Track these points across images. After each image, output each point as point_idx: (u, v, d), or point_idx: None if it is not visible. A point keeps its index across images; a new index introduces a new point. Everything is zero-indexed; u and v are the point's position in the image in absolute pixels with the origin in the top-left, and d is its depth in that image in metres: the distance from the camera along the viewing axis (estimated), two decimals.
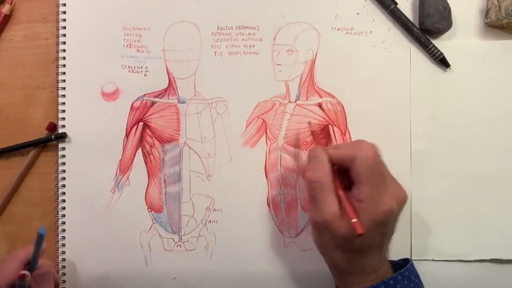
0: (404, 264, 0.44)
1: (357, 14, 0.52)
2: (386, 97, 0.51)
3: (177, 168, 0.53)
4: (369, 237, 0.40)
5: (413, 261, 0.49)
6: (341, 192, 0.42)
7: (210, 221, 0.52)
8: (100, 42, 0.53)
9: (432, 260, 0.51)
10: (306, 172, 0.43)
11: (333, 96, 0.52)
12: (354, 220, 0.39)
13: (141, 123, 0.53)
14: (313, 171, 0.42)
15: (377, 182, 0.40)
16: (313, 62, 0.52)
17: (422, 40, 0.50)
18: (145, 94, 0.53)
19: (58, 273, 0.53)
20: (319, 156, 0.43)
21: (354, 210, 0.40)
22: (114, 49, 0.53)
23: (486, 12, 0.51)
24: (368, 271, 0.42)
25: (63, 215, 0.53)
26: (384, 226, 0.41)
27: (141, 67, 0.53)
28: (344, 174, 0.43)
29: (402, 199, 0.42)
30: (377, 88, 0.52)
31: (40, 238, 0.46)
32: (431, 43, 0.50)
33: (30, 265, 0.47)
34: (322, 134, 0.51)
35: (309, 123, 0.51)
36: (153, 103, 0.53)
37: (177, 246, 0.53)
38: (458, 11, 0.51)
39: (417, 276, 0.44)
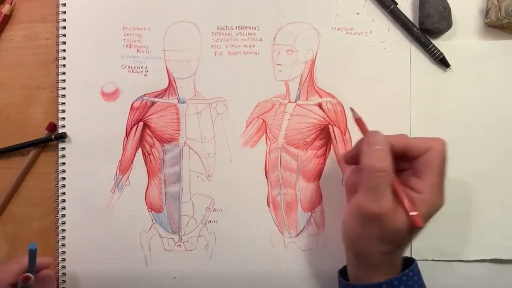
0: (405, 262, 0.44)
1: (357, 14, 0.52)
2: (386, 97, 0.51)
3: (177, 168, 0.53)
4: (419, 230, 0.40)
5: None
6: (400, 186, 0.41)
7: (210, 221, 0.52)
8: (100, 42, 0.53)
9: (432, 260, 0.51)
10: (368, 159, 0.41)
11: (333, 96, 0.52)
12: (414, 213, 0.39)
13: (141, 123, 0.53)
14: (379, 160, 0.40)
15: (443, 176, 0.41)
16: (313, 62, 0.52)
17: (422, 40, 0.50)
18: (145, 94, 0.53)
19: (58, 273, 0.53)
20: (382, 144, 0.41)
21: (413, 203, 0.40)
22: (114, 49, 0.53)
23: (486, 12, 0.51)
24: (394, 264, 0.42)
25: (63, 215, 0.53)
26: (429, 220, 0.41)
27: (141, 67, 0.53)
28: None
29: (444, 200, 0.42)
30: (377, 88, 0.52)
31: (31, 253, 0.46)
32: (431, 43, 0.50)
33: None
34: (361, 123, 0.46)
35: (352, 110, 0.46)
36: (153, 103, 0.53)
37: (177, 246, 0.53)
38: (458, 11, 0.51)
39: (420, 277, 0.43)
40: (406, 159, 0.42)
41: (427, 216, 0.40)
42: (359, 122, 0.45)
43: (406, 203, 0.39)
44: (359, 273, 0.43)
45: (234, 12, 0.53)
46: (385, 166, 0.40)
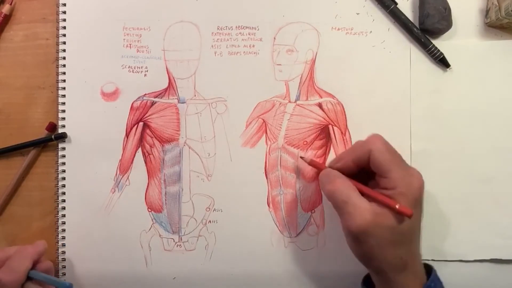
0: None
1: (357, 14, 0.52)
2: (386, 97, 0.51)
3: (177, 168, 0.53)
4: (414, 219, 0.40)
5: None
6: (370, 190, 0.42)
7: (210, 221, 0.52)
8: (100, 42, 0.53)
9: (432, 260, 0.51)
10: (324, 188, 0.44)
11: (333, 96, 0.52)
12: (397, 205, 0.39)
13: (141, 123, 0.53)
14: (331, 183, 0.43)
15: (401, 163, 0.41)
16: (313, 62, 0.52)
17: (422, 40, 0.50)
18: (145, 94, 0.53)
19: (58, 273, 0.53)
20: (329, 173, 0.44)
21: (394, 200, 0.40)
22: (114, 49, 0.53)
23: (486, 12, 0.51)
24: (418, 265, 0.42)
25: (63, 215, 0.53)
26: (420, 204, 0.41)
27: (141, 67, 0.53)
28: (359, 180, 0.43)
29: (421, 176, 0.43)
30: (377, 88, 0.52)
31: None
32: (431, 43, 0.50)
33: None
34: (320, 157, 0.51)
35: (301, 158, 0.50)
36: (153, 103, 0.53)
37: (177, 246, 0.53)
38: (458, 11, 0.51)
39: (441, 283, 0.44)
40: (367, 167, 0.44)
41: (415, 202, 0.40)
42: (313, 163, 0.49)
43: (386, 200, 0.40)
44: (389, 285, 0.42)
45: (234, 12, 0.53)
46: (337, 183, 0.42)
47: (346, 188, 0.42)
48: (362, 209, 0.40)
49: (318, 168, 0.48)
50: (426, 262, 0.47)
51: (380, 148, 0.42)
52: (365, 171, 0.45)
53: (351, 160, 0.44)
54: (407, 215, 0.39)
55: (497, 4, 0.48)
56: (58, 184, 0.53)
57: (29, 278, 0.48)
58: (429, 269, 0.44)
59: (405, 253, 0.41)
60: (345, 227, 0.41)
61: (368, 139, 0.44)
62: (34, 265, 0.48)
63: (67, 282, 0.47)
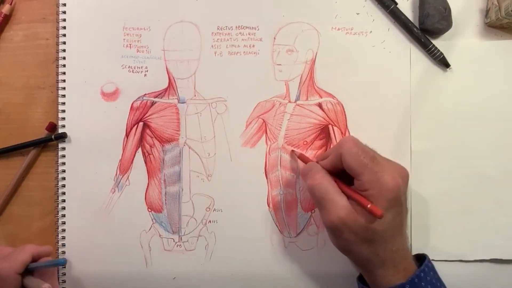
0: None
1: (357, 14, 0.52)
2: (386, 97, 0.51)
3: (177, 168, 0.53)
4: (388, 220, 0.41)
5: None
6: (346, 188, 0.42)
7: (210, 221, 0.52)
8: (100, 42, 0.53)
9: (432, 260, 0.50)
10: (305, 182, 0.44)
11: (333, 96, 0.52)
12: (369, 205, 0.39)
13: (141, 123, 0.53)
14: (311, 178, 0.44)
15: (371, 165, 0.41)
16: (313, 62, 0.52)
17: (422, 40, 0.50)
18: (145, 94, 0.53)
19: (58, 273, 0.53)
20: (311, 167, 0.45)
21: (365, 198, 0.40)
22: (114, 49, 0.53)
23: (486, 12, 0.51)
24: (398, 257, 0.42)
25: (63, 215, 0.53)
26: (398, 204, 0.41)
27: (141, 67, 0.53)
28: (344, 178, 0.43)
29: (404, 174, 0.43)
30: (377, 88, 0.52)
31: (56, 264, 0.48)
32: (431, 43, 0.50)
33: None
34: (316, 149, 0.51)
35: (293, 151, 0.52)
36: (153, 103, 0.53)
37: (177, 246, 0.53)
38: (458, 11, 0.51)
39: (435, 271, 0.44)
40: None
41: (389, 202, 0.40)
42: (302, 157, 0.50)
43: (360, 199, 0.41)
44: (371, 278, 0.44)
45: (234, 12, 0.53)
46: (317, 178, 0.43)
47: (325, 184, 0.42)
48: (338, 206, 0.41)
49: (306, 162, 0.49)
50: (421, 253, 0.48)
51: (349, 152, 0.42)
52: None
53: (330, 162, 0.44)
54: (377, 216, 0.39)
55: (497, 4, 0.48)
56: (58, 184, 0.53)
57: (30, 273, 0.48)
58: (424, 259, 0.45)
59: (382, 250, 0.42)
60: (322, 221, 0.43)
61: (339, 142, 0.45)
62: (34, 262, 0.49)
63: (61, 259, 0.47)
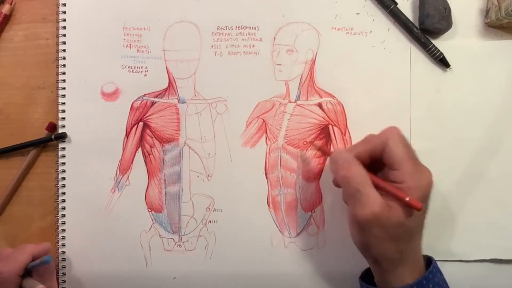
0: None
1: (357, 14, 0.52)
2: (386, 97, 0.51)
3: (177, 168, 0.53)
4: (421, 214, 0.41)
5: None
6: (382, 181, 0.42)
7: (210, 221, 0.52)
8: (100, 42, 0.53)
9: None
10: (338, 173, 0.43)
11: (333, 96, 0.52)
12: (407, 198, 0.39)
13: (141, 123, 0.53)
14: (346, 169, 0.42)
15: (415, 158, 0.41)
16: (313, 62, 0.52)
17: (422, 40, 0.50)
18: (145, 94, 0.53)
19: (58, 273, 0.53)
20: (344, 156, 0.43)
21: (403, 193, 0.40)
22: (114, 49, 0.53)
23: (486, 12, 0.51)
24: (417, 259, 0.42)
25: (63, 215, 0.53)
26: (427, 200, 0.41)
27: (141, 67, 0.53)
28: (371, 168, 0.43)
29: (431, 177, 0.42)
30: (377, 88, 0.52)
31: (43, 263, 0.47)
32: (431, 43, 0.50)
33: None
34: (326, 142, 0.51)
35: (313, 143, 0.51)
36: (153, 103, 0.53)
37: (177, 246, 0.53)
38: (458, 11, 0.51)
39: (441, 273, 0.44)
40: (378, 158, 0.44)
41: (422, 198, 0.40)
42: (321, 148, 0.50)
43: (397, 192, 0.40)
44: (384, 277, 0.43)
45: (234, 12, 0.53)
46: (354, 170, 0.41)
47: (361, 176, 0.41)
48: (373, 200, 0.40)
49: (327, 153, 0.48)
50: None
51: (396, 140, 0.42)
52: (373, 164, 0.44)
53: (365, 151, 0.43)
54: (417, 209, 0.39)
55: (497, 4, 0.48)
56: (58, 184, 0.53)
57: (29, 274, 0.48)
58: (430, 261, 0.45)
59: (405, 248, 0.41)
60: (352, 214, 0.41)
61: (385, 130, 0.44)
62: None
63: (46, 257, 0.46)
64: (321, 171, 0.52)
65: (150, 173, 0.53)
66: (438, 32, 0.51)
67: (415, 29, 0.51)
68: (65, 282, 0.53)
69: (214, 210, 0.52)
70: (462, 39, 0.51)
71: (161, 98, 0.53)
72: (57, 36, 0.53)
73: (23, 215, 0.55)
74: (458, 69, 0.51)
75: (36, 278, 0.48)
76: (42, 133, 0.54)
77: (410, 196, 0.40)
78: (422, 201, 0.40)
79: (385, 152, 0.42)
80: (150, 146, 0.53)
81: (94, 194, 0.53)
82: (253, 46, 0.52)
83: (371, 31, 0.52)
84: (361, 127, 0.51)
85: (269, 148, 0.52)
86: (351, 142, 0.51)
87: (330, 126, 0.52)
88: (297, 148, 0.52)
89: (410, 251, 0.42)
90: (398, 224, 0.40)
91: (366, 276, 0.47)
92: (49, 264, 0.47)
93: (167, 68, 0.53)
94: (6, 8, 0.54)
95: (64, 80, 0.53)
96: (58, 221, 0.53)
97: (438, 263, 0.50)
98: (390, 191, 0.41)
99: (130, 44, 0.53)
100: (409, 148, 0.42)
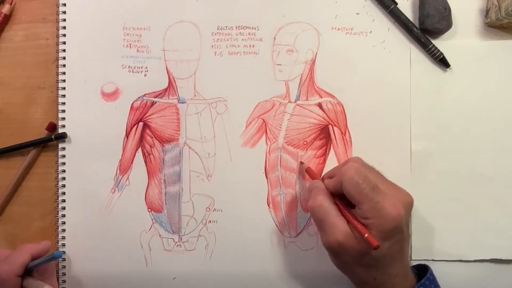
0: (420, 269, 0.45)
1: (357, 14, 0.52)
2: (386, 97, 0.51)
3: (177, 168, 0.53)
4: (387, 248, 0.40)
5: (413, 261, 0.50)
6: (346, 213, 0.42)
7: (210, 221, 0.52)
8: (100, 42, 0.53)
9: (432, 260, 0.51)
10: (308, 202, 0.45)
11: (333, 96, 0.52)
12: (366, 235, 0.39)
13: (141, 123, 0.53)
14: (313, 199, 0.44)
15: (371, 196, 0.41)
16: (313, 62, 0.52)
17: (422, 40, 0.50)
18: (145, 94, 0.53)
19: (58, 273, 0.53)
20: (316, 185, 0.45)
21: (364, 226, 0.40)
22: (114, 49, 0.53)
23: (486, 12, 0.51)
24: (396, 282, 0.42)
25: (63, 215, 0.53)
26: (398, 232, 0.41)
27: (141, 67, 0.53)
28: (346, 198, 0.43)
29: (407, 202, 0.42)
30: (377, 88, 0.51)
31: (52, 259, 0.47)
32: (431, 43, 0.50)
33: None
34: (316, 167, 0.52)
35: (301, 163, 0.51)
36: (153, 103, 0.53)
37: (177, 246, 0.53)
38: (458, 11, 0.51)
39: (437, 284, 0.44)
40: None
41: (386, 233, 0.40)
42: (309, 171, 0.50)
43: (358, 227, 0.40)
44: None
45: (234, 12, 0.53)
46: (319, 200, 0.43)
47: (326, 206, 0.43)
48: (337, 229, 0.41)
49: (311, 177, 0.50)
50: (425, 262, 0.47)
51: (350, 181, 0.41)
52: None
53: (333, 186, 0.44)
54: (373, 247, 0.39)
55: (497, 4, 0.48)
56: (58, 184, 0.53)
57: (29, 275, 0.48)
58: (426, 270, 0.45)
59: (379, 275, 0.42)
60: (321, 241, 0.43)
61: (343, 168, 0.43)
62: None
63: (57, 252, 0.46)
64: (321, 171, 0.52)
65: (150, 173, 0.53)
66: (438, 32, 0.51)
67: (415, 29, 0.51)
68: (65, 282, 0.53)
69: (214, 210, 0.52)
70: (462, 39, 0.51)
71: (161, 98, 0.53)
72: (57, 36, 0.53)
73: (23, 215, 0.55)
74: (458, 69, 0.51)
75: (36, 277, 0.48)
76: (42, 133, 0.54)
77: (373, 231, 0.40)
78: (386, 236, 0.40)
79: (344, 191, 0.42)
80: (150, 146, 0.53)
81: (94, 194, 0.53)
82: (253, 46, 0.52)
83: (371, 31, 0.52)
84: (361, 127, 0.51)
85: (269, 148, 0.52)
86: (351, 142, 0.52)
87: (330, 126, 0.52)
88: (297, 148, 0.52)
89: (386, 276, 0.42)
90: (362, 253, 0.41)
91: None
92: (57, 260, 0.47)
93: (167, 68, 0.53)
94: (6, 8, 0.54)
95: (64, 80, 0.53)
96: (58, 221, 0.53)
97: (438, 263, 0.50)
98: (353, 225, 0.41)
99: (130, 44, 0.53)
100: (367, 185, 0.41)
